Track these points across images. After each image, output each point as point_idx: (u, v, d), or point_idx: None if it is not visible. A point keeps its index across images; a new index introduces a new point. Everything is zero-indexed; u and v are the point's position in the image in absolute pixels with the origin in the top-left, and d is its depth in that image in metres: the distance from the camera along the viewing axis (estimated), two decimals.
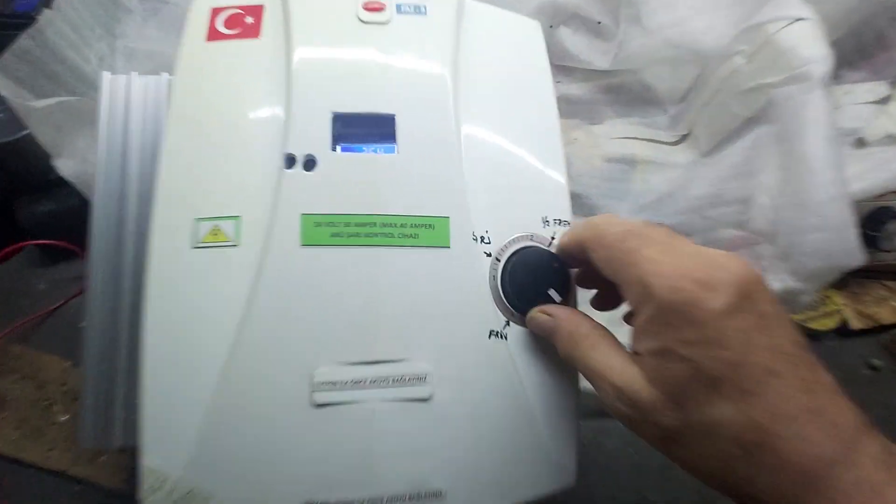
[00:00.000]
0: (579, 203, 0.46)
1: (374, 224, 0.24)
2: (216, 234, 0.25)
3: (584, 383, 0.23)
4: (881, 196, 0.40)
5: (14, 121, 0.35)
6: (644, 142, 0.47)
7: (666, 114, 0.49)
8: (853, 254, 0.33)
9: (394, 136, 0.25)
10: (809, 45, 0.35)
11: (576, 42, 0.47)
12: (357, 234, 0.24)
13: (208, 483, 0.23)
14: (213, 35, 0.28)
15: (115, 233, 0.30)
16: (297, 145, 0.24)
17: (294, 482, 0.23)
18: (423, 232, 0.25)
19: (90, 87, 0.38)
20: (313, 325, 0.24)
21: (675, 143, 0.47)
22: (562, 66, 0.49)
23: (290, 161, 0.24)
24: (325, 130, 0.25)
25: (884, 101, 0.42)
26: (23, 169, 0.36)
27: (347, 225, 0.24)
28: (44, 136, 0.34)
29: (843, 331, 0.46)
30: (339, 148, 0.25)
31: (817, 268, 0.33)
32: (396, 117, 0.25)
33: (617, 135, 0.48)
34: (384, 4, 0.27)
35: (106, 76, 0.30)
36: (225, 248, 0.24)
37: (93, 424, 0.29)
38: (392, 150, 0.25)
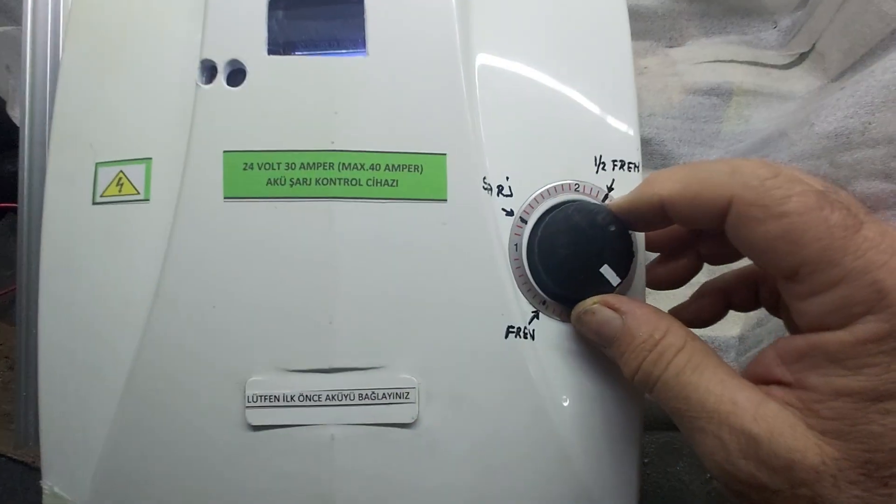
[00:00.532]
0: (648, 151, 0.35)
1: (332, 165, 0.16)
2: (121, 185, 0.18)
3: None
4: None
5: None
6: (744, 65, 0.35)
7: (776, 27, 0.36)
8: None
9: (363, 30, 0.16)
10: None
11: None
12: (305, 181, 0.16)
13: None
14: None
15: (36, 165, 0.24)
16: (218, 48, 0.16)
17: None
18: (406, 177, 0.16)
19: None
20: (243, 315, 0.16)
21: (790, 66, 0.34)
22: None
23: (210, 72, 0.16)
24: (259, 23, 0.16)
25: None
26: None
27: (291, 167, 0.16)
28: None
29: None
30: (279, 49, 0.16)
31: None
32: (367, 3, 0.16)
33: (705, 58, 0.36)
34: None
35: None
36: (131, 204, 0.17)
37: (29, 421, 0.24)
38: (360, 52, 0.16)
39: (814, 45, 0.34)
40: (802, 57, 0.34)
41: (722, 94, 0.35)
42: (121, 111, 0.18)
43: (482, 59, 0.18)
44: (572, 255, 0.16)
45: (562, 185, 0.17)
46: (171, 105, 0.17)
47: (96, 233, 0.17)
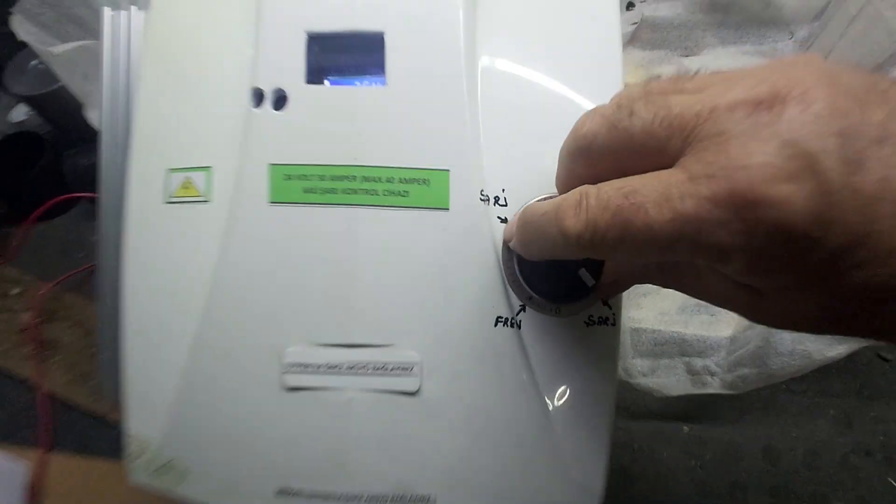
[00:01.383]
0: None
1: (355, 178, 0.20)
2: (187, 188, 0.22)
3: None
4: None
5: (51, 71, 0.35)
6: None
7: (792, 37, 0.37)
8: None
9: (382, 63, 0.20)
10: None
11: None
12: (334, 191, 0.20)
13: (186, 456, 0.21)
14: None
15: (121, 179, 0.29)
16: (266, 77, 0.20)
17: (267, 468, 0.21)
18: (416, 189, 0.20)
19: None
20: (283, 298, 0.20)
21: None
22: None
23: (259, 98, 0.20)
24: (299, 57, 0.20)
25: None
26: (63, 121, 0.36)
27: (322, 178, 0.20)
28: (73, 84, 0.33)
29: None
30: (316, 80, 0.20)
31: None
32: (386, 36, 0.20)
33: (720, 68, 0.38)
34: None
35: (106, 13, 0.28)
36: (195, 205, 0.21)
37: (110, 378, 0.30)
38: (380, 82, 0.20)
39: (826, 57, 0.35)
40: None
41: None
42: (188, 126, 0.22)
43: (485, 86, 0.21)
44: (553, 261, 0.19)
45: (551, 196, 0.20)
46: (228, 123, 0.21)
47: (168, 227, 0.21)
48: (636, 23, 0.39)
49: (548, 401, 0.20)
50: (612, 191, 0.13)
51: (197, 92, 0.22)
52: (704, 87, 0.13)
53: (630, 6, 0.40)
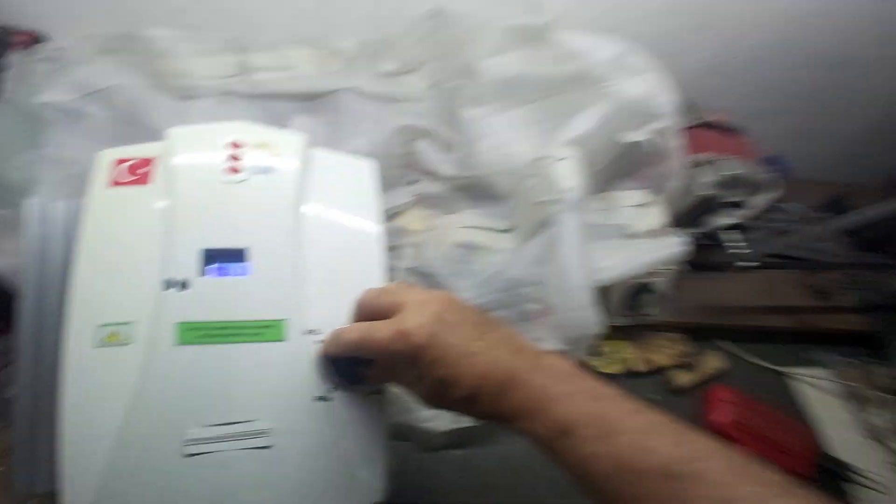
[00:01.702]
0: (432, 281, 0.58)
1: (230, 328, 0.36)
2: (115, 337, 0.35)
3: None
4: (643, 275, 0.56)
5: None
6: (484, 230, 0.61)
7: (504, 207, 0.64)
8: (593, 326, 0.47)
9: (248, 264, 0.37)
10: (568, 178, 0.50)
11: (430, 152, 0.61)
12: (218, 335, 0.35)
13: None
14: (115, 181, 0.39)
15: (37, 323, 0.39)
16: (174, 272, 0.35)
17: None
18: (266, 331, 0.36)
19: (17, 196, 0.47)
20: (187, 400, 0.34)
21: (506, 232, 0.61)
22: (423, 170, 0.63)
23: (168, 284, 0.35)
24: (196, 261, 0.36)
25: (644, 205, 0.59)
26: None
27: (211, 329, 0.35)
28: None
29: (631, 373, 0.61)
30: (206, 273, 0.36)
31: (571, 335, 0.47)
32: (250, 249, 0.37)
33: (465, 224, 0.62)
34: (241, 168, 0.39)
35: (29, 205, 0.40)
36: (121, 347, 0.35)
37: (23, 472, 0.38)
38: (245, 273, 0.37)
39: (515, 223, 0.61)
40: (512, 228, 0.62)
41: (472, 246, 0.60)
42: (114, 297, 0.36)
43: (307, 252, 0.39)
44: (346, 359, 0.36)
45: (342, 327, 0.39)
46: (148, 296, 0.35)
47: (100, 359, 0.34)
48: (417, 194, 0.63)
49: (348, 441, 0.37)
50: (369, 325, 0.32)
51: (122, 274, 0.36)
52: (400, 291, 0.33)
53: (412, 182, 0.63)
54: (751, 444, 0.55)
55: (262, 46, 0.57)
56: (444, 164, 0.61)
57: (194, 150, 0.39)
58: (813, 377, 0.65)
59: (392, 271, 0.58)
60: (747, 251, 0.57)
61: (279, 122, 0.60)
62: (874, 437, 0.62)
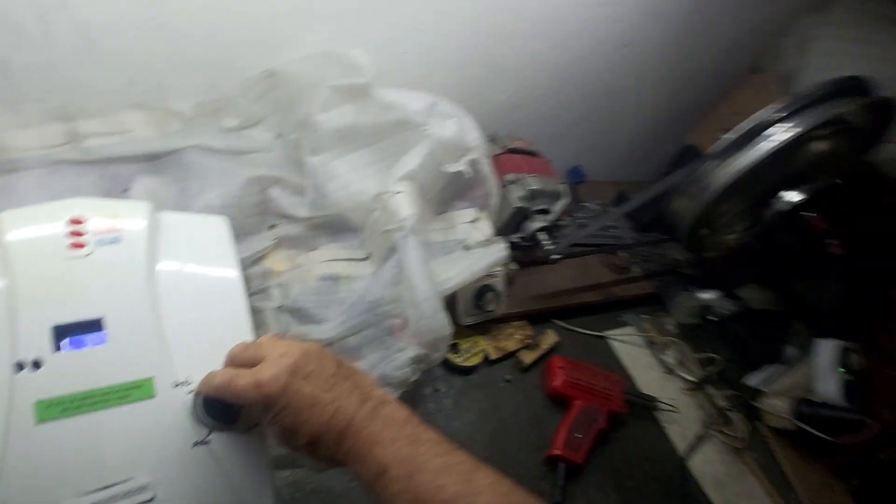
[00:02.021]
0: (302, 314, 0.63)
1: (95, 395, 0.37)
2: None
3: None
4: (482, 279, 0.68)
5: None
6: (344, 261, 0.68)
7: (359, 238, 0.71)
8: (444, 329, 0.57)
9: (104, 332, 0.39)
10: (404, 208, 0.59)
11: (284, 198, 0.66)
12: (83, 406, 0.37)
13: None
14: None
15: None
16: (25, 353, 0.36)
17: None
18: (134, 391, 0.38)
19: None
20: (56, 475, 0.35)
21: (364, 260, 0.69)
22: (280, 214, 0.68)
23: (20, 366, 0.36)
24: (47, 339, 0.37)
25: (476, 220, 0.71)
26: None
27: (74, 401, 0.36)
28: None
29: (489, 361, 0.72)
30: (60, 349, 0.37)
31: (428, 340, 0.57)
32: (105, 318, 0.39)
33: (326, 258, 0.68)
34: (86, 242, 0.41)
35: None
36: None
37: None
38: (103, 341, 0.39)
39: (371, 251, 0.69)
40: (369, 256, 0.70)
41: (335, 278, 0.67)
42: None
43: (165, 312, 0.42)
44: (216, 403, 0.40)
45: (210, 372, 0.42)
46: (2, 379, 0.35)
47: None
48: (277, 237, 0.67)
49: (233, 480, 0.41)
50: (233, 372, 0.37)
51: None
52: (265, 344, 0.38)
53: (271, 227, 0.68)
54: (582, 397, 0.69)
55: (92, 113, 0.57)
56: (298, 207, 0.67)
57: (32, 230, 0.40)
58: (622, 335, 0.83)
59: (261, 313, 0.62)
60: (555, 246, 0.72)
61: (120, 185, 0.60)
62: (668, 371, 0.82)
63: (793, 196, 0.68)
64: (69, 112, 0.56)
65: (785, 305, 0.91)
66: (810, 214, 0.70)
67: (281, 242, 0.67)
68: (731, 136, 0.66)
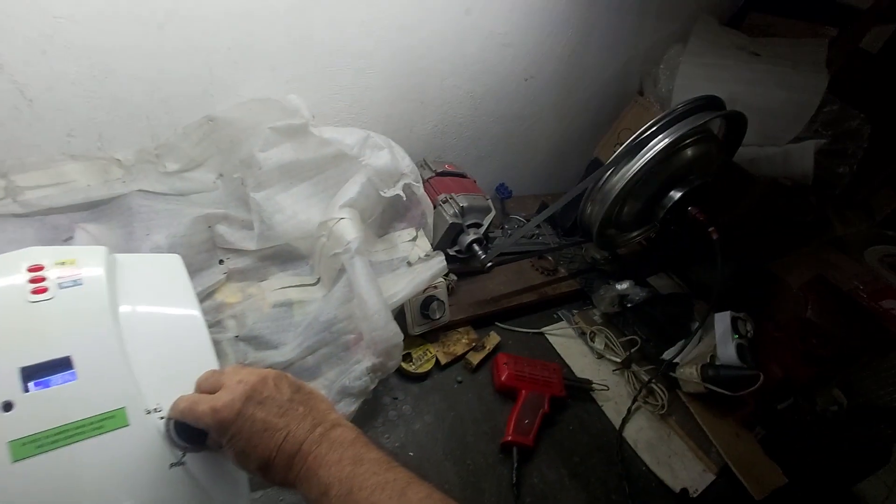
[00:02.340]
0: (259, 342, 0.66)
1: (69, 430, 0.39)
2: None
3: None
4: (425, 290, 0.74)
5: None
6: (296, 287, 0.72)
7: (308, 265, 0.76)
8: (396, 337, 0.62)
9: (72, 370, 0.41)
10: (348, 233, 0.65)
11: (231, 233, 0.70)
12: (58, 441, 0.38)
13: None
14: None
15: None
16: None
17: None
18: (108, 422, 0.41)
19: None
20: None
21: (315, 284, 0.73)
22: (229, 249, 0.71)
23: None
24: (16, 380, 0.39)
25: (415, 238, 0.78)
26: None
27: (48, 437, 0.38)
28: None
29: (440, 366, 0.78)
30: (30, 387, 0.39)
31: (383, 349, 0.62)
32: (72, 357, 0.41)
33: (278, 286, 0.72)
34: (47, 287, 0.43)
35: None
36: None
37: None
38: (73, 378, 0.41)
39: (319, 275, 0.74)
40: (319, 280, 0.74)
41: (289, 304, 0.70)
42: None
43: (130, 346, 0.44)
44: (187, 426, 0.43)
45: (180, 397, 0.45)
46: None
47: None
48: (227, 271, 0.70)
49: (208, 487, 0.43)
50: (196, 398, 0.40)
51: None
52: (227, 372, 0.42)
53: (221, 262, 0.71)
54: (526, 386, 0.77)
55: (31, 167, 0.58)
56: (246, 241, 0.70)
57: None
58: (556, 329, 0.93)
59: (219, 344, 0.64)
60: (486, 255, 0.81)
61: (62, 235, 0.61)
62: (599, 356, 0.92)
63: (675, 194, 0.82)
64: (6, 167, 0.57)
65: (687, 287, 1.06)
66: (692, 208, 0.84)
67: (231, 275, 0.70)
68: (622, 148, 0.79)
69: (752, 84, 0.96)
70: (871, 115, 0.94)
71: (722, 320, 0.91)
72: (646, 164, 0.76)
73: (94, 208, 0.63)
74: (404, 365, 0.73)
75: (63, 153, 0.60)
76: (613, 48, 1.02)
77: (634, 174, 0.77)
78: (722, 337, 0.89)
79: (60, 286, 0.44)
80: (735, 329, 0.90)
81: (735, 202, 0.98)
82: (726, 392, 0.82)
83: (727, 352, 0.87)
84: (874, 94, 0.98)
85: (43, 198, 0.60)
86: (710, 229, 0.82)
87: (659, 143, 0.77)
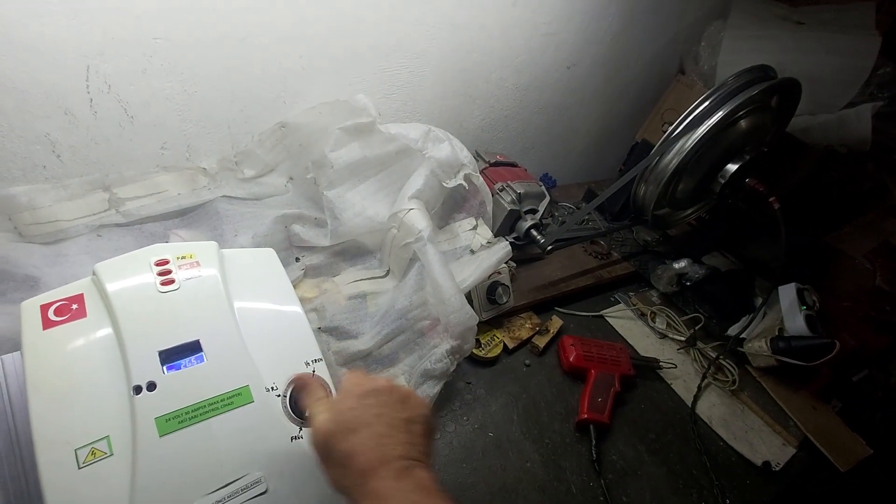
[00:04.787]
0: (340, 332, 0.70)
1: (205, 406, 0.43)
2: (94, 454, 0.39)
3: None
4: (490, 276, 0.76)
5: None
6: (367, 280, 0.76)
7: (376, 258, 0.79)
8: (472, 320, 0.65)
9: (202, 352, 0.44)
10: (418, 222, 0.68)
11: (305, 231, 0.74)
12: (196, 416, 0.42)
13: None
14: (48, 324, 0.43)
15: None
16: (140, 378, 0.41)
17: None
18: (237, 398, 0.44)
19: None
20: (184, 480, 0.40)
21: (385, 276, 0.76)
22: (303, 247, 0.75)
23: (138, 389, 0.41)
24: (156, 363, 0.42)
25: (475, 227, 0.81)
26: None
27: (187, 413, 0.42)
28: None
29: (507, 351, 0.80)
30: (166, 370, 0.43)
31: (459, 332, 0.64)
32: (200, 340, 0.45)
33: (350, 280, 0.75)
34: (174, 279, 0.47)
35: None
36: (105, 460, 0.39)
37: None
38: (202, 360, 0.44)
39: (389, 267, 0.77)
40: (388, 272, 0.77)
41: (362, 295, 0.74)
42: (81, 421, 0.40)
43: (244, 330, 0.48)
44: (297, 408, 0.46)
45: (293, 377, 0.48)
46: (117, 407, 0.40)
47: (87, 479, 0.38)
48: (304, 268, 0.74)
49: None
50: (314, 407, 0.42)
51: (82, 399, 0.40)
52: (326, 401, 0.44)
53: (297, 259, 0.74)
54: (595, 366, 0.78)
55: (130, 179, 0.63)
56: (319, 238, 0.74)
57: (124, 276, 0.46)
58: (616, 312, 0.93)
59: None
60: (545, 239, 0.82)
61: (157, 241, 0.65)
62: (662, 336, 0.92)
63: (732, 167, 0.82)
64: (109, 181, 0.62)
65: (742, 264, 1.05)
66: (750, 179, 0.83)
67: (307, 272, 0.74)
68: (674, 127, 0.80)
69: (799, 53, 0.95)
70: None
71: (787, 293, 0.90)
72: (701, 138, 0.76)
73: (184, 215, 0.68)
74: (475, 350, 0.75)
75: (157, 165, 0.65)
76: (653, 29, 1.02)
77: (690, 150, 0.77)
78: (789, 309, 0.88)
79: (184, 278, 0.48)
80: (802, 300, 0.88)
81: (789, 173, 0.97)
82: (800, 363, 0.81)
83: (796, 323, 0.86)
84: None
85: (140, 207, 0.65)
86: (771, 199, 0.81)
87: (713, 117, 0.77)
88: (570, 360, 0.78)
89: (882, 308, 0.89)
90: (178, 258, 0.48)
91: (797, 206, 0.92)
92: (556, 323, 0.86)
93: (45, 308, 0.44)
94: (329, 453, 0.38)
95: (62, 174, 0.59)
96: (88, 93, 0.55)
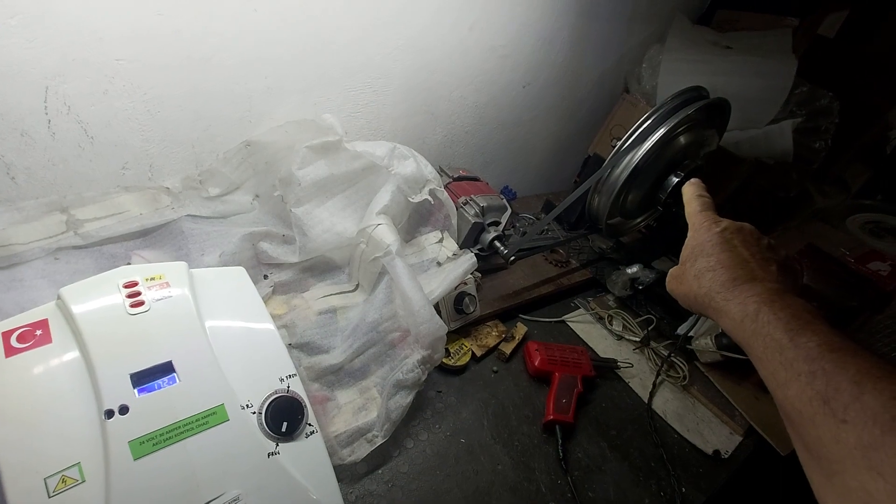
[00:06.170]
0: (311, 347, 0.70)
1: (180, 427, 0.43)
2: (65, 481, 0.39)
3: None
4: (457, 287, 0.79)
5: None
6: (337, 295, 0.77)
7: (345, 273, 0.80)
8: (441, 330, 0.67)
9: (175, 373, 0.45)
10: (386, 237, 0.70)
11: (273, 249, 0.74)
12: (171, 437, 0.42)
13: None
14: (11, 351, 0.42)
15: None
16: (111, 401, 0.41)
17: None
18: (212, 418, 0.44)
19: None
20: (160, 499, 0.40)
21: (354, 290, 0.78)
22: (271, 264, 0.75)
23: (110, 413, 0.41)
24: (128, 385, 0.42)
25: (441, 240, 0.84)
26: None
27: (162, 434, 0.42)
28: None
29: (476, 359, 0.83)
30: (138, 392, 0.42)
31: (429, 342, 0.66)
32: (173, 361, 0.45)
33: (320, 295, 0.76)
34: (144, 300, 0.47)
35: None
36: (77, 487, 0.38)
37: None
38: (175, 381, 0.44)
39: (358, 281, 0.78)
40: (357, 286, 0.78)
41: (332, 310, 0.74)
42: (50, 446, 0.39)
43: (217, 349, 0.48)
44: (278, 419, 0.47)
45: (268, 394, 0.49)
46: (88, 432, 0.40)
47: None
48: (272, 285, 0.74)
49: (301, 473, 0.47)
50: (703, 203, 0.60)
51: (50, 426, 0.40)
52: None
53: (266, 277, 0.75)
54: (559, 369, 0.82)
55: (89, 200, 0.62)
56: (287, 255, 0.74)
57: (92, 299, 0.45)
58: (576, 317, 0.98)
59: None
60: (507, 250, 0.86)
61: (118, 263, 0.64)
62: (618, 338, 0.98)
63: (674, 178, 0.89)
64: (67, 202, 0.61)
65: None
66: None
67: (276, 289, 0.74)
68: (622, 142, 0.86)
69: (728, 75, 1.05)
70: (837, 93, 1.04)
71: None
72: (646, 154, 0.83)
73: (146, 235, 0.67)
74: (444, 360, 0.78)
75: (118, 186, 0.64)
76: (602, 52, 1.10)
77: (637, 163, 0.84)
78: None
79: (154, 299, 0.47)
80: None
81: (724, 183, 1.06)
82: (743, 357, 0.88)
83: None
84: (836, 74, 1.08)
85: (100, 229, 0.63)
86: None
87: (656, 133, 0.84)
88: (536, 364, 0.82)
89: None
90: (146, 279, 0.48)
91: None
92: (520, 329, 0.89)
93: (6, 335, 0.43)
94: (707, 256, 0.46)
95: (16, 196, 0.57)
96: (46, 114, 0.54)
